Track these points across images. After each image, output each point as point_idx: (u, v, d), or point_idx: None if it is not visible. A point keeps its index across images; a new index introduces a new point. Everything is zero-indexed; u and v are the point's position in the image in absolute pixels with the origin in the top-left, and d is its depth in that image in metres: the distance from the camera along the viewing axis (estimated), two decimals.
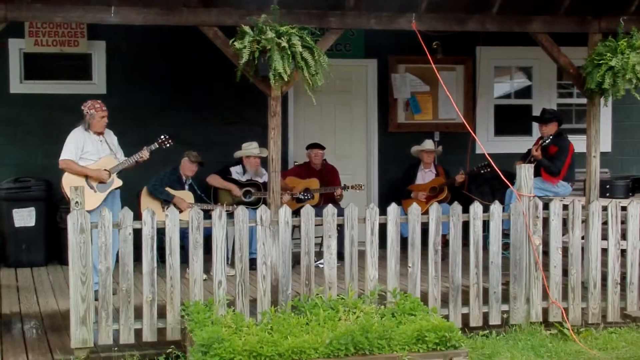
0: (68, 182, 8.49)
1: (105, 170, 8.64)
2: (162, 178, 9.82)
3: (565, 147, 10.24)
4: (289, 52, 7.07)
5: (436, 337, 6.46)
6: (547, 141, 10.15)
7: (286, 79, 7.15)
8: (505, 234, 8.01)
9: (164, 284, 7.18)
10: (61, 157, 8.60)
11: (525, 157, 10.32)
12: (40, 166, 10.64)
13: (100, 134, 8.73)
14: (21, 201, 10.47)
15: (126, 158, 8.80)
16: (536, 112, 11.88)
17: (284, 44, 7.02)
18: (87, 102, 8.74)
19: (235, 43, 7.19)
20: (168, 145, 9.08)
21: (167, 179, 9.86)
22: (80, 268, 6.84)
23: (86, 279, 6.85)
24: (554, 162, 10.13)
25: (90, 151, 8.66)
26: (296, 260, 7.58)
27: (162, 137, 9.04)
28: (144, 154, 8.80)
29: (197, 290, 7.10)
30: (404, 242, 7.59)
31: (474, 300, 7.67)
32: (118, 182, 8.77)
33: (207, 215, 7.87)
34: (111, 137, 8.87)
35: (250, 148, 10.28)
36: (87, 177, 8.59)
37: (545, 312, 7.85)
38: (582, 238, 8.00)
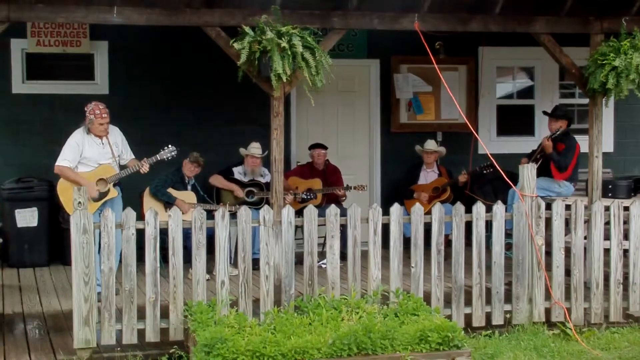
0: (63, 188, 8.47)
1: (101, 179, 8.58)
2: (164, 179, 9.80)
3: (573, 146, 10.24)
4: (290, 53, 7.07)
5: (439, 337, 6.46)
6: (557, 133, 10.15)
7: (285, 80, 7.15)
8: (508, 234, 8.01)
9: (166, 284, 7.19)
10: (57, 163, 8.53)
11: (530, 157, 10.32)
12: (43, 166, 10.59)
13: (102, 136, 8.67)
14: (24, 201, 10.47)
15: (133, 162, 8.72)
16: (538, 112, 11.92)
17: (284, 44, 7.02)
18: (89, 105, 8.60)
19: (235, 44, 7.19)
20: (170, 157, 8.98)
21: (170, 179, 9.85)
22: (83, 268, 6.84)
23: (89, 279, 6.85)
24: (562, 158, 10.13)
25: (88, 157, 8.57)
26: (299, 260, 7.58)
27: (166, 148, 8.88)
28: (145, 168, 8.68)
29: (200, 290, 7.11)
30: (406, 242, 7.60)
31: (476, 300, 7.67)
32: (113, 193, 8.67)
33: (210, 215, 7.87)
34: (115, 136, 8.74)
35: (251, 148, 10.29)
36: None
37: (548, 312, 7.85)
38: (585, 238, 8.00)
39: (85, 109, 8.61)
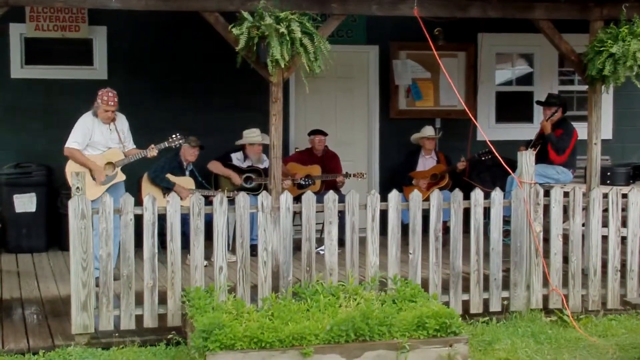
0: (72, 170, 8.47)
1: (110, 162, 8.60)
2: (163, 165, 9.78)
3: (570, 131, 10.27)
4: (288, 38, 7.05)
5: (436, 323, 6.47)
6: (554, 114, 10.16)
7: (283, 66, 7.12)
8: (506, 221, 8.01)
9: (164, 270, 7.19)
10: (67, 145, 8.54)
11: (529, 144, 10.33)
12: (41, 151, 10.63)
13: (111, 121, 8.67)
14: (22, 187, 10.47)
15: (135, 151, 8.74)
16: (537, 98, 11.88)
17: (283, 30, 6.99)
18: (101, 90, 8.60)
19: (234, 29, 7.16)
20: (178, 145, 9.00)
21: (168, 165, 9.84)
22: (81, 254, 6.84)
23: (87, 265, 6.86)
24: (560, 140, 10.14)
25: (97, 141, 8.60)
26: (297, 246, 7.58)
27: (174, 136, 8.91)
28: (154, 152, 8.69)
29: (198, 276, 7.12)
30: (404, 228, 7.60)
31: (474, 287, 7.68)
32: (121, 177, 8.72)
33: (208, 201, 7.87)
34: (122, 124, 8.76)
35: (253, 136, 10.26)
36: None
37: (546, 299, 7.86)
38: (583, 225, 8.00)
39: (98, 92, 8.59)
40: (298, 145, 11.54)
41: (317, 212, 7.41)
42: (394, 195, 7.50)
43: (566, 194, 7.93)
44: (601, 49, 7.87)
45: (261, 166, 10.28)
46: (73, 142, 8.53)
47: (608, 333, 7.49)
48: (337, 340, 6.29)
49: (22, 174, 10.51)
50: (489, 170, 11.26)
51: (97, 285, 6.97)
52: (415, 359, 6.37)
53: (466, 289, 7.69)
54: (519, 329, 7.43)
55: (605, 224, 8.03)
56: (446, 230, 7.86)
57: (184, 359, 6.56)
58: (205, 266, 7.34)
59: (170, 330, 6.98)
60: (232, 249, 8.33)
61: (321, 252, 7.75)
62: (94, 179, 8.50)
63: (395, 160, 11.59)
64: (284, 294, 7.13)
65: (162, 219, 7.10)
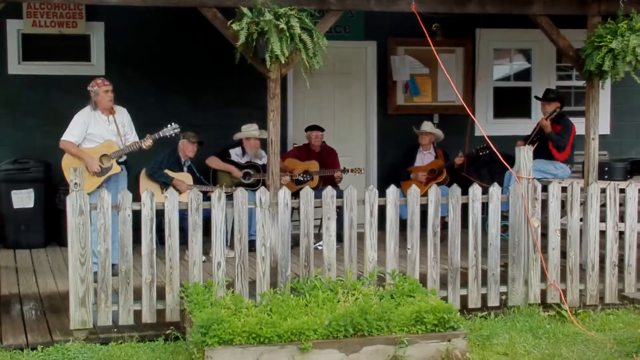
0: (67, 164, 8.48)
1: (105, 155, 8.61)
2: (161, 160, 9.79)
3: (569, 126, 10.31)
4: (287, 34, 7.04)
5: (435, 318, 6.48)
6: (554, 114, 10.18)
7: (283, 61, 7.12)
8: (504, 216, 8.02)
9: (163, 265, 7.19)
10: (63, 138, 8.59)
11: (527, 139, 10.34)
12: (39, 147, 10.63)
13: (109, 113, 8.68)
14: (20, 182, 10.47)
15: (131, 143, 8.73)
16: (535, 94, 11.87)
17: (282, 25, 6.99)
18: (91, 82, 8.70)
19: (233, 25, 7.15)
20: (173, 134, 8.98)
21: (166, 161, 9.83)
22: (79, 249, 6.85)
23: (85, 261, 6.86)
24: (560, 137, 10.16)
25: (94, 133, 8.62)
26: (295, 242, 7.59)
27: (169, 125, 8.89)
28: (148, 142, 8.71)
29: (196, 271, 7.12)
30: (403, 224, 7.59)
31: (472, 282, 7.69)
32: (117, 169, 8.70)
33: (206, 197, 7.87)
34: (122, 116, 8.78)
35: (250, 130, 10.27)
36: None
37: (544, 293, 7.87)
38: (581, 220, 8.01)
39: (88, 87, 8.66)
40: (296, 141, 11.53)
41: (315, 207, 7.42)
42: (392, 191, 7.50)
43: (564, 189, 7.94)
44: (600, 44, 7.87)
45: (259, 162, 10.28)
46: (69, 135, 8.58)
47: (606, 327, 7.49)
48: (336, 335, 6.29)
49: (20, 170, 10.51)
50: (487, 166, 11.28)
51: (95, 281, 6.97)
52: (413, 354, 6.38)
53: (464, 284, 7.71)
54: (517, 323, 7.44)
55: (603, 219, 8.04)
56: (444, 225, 7.86)
57: (183, 354, 6.56)
58: (204, 262, 7.35)
59: (168, 326, 6.98)
60: (230, 245, 8.33)
61: (319, 248, 7.76)
62: (88, 170, 8.50)
63: (393, 156, 11.60)
64: (283, 290, 7.14)
65: (160, 214, 7.10)
